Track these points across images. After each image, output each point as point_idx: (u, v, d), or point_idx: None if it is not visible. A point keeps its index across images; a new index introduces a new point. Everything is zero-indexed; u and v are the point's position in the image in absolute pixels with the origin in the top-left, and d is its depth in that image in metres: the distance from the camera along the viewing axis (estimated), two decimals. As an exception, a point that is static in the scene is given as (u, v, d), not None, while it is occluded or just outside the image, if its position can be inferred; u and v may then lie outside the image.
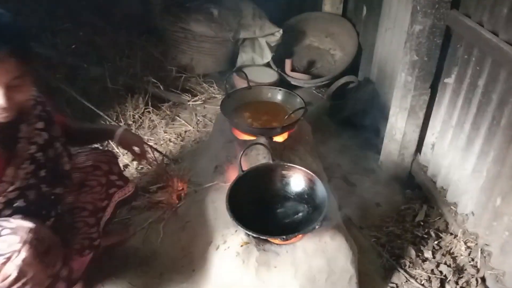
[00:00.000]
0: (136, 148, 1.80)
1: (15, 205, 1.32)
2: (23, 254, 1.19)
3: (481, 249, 1.96)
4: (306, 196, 1.85)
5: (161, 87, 3.20)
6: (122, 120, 2.93)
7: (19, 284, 1.20)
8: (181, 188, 2.21)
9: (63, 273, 1.36)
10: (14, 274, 1.18)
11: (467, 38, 1.97)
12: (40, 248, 1.24)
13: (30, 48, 1.23)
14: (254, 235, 1.64)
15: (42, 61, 2.94)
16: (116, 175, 1.80)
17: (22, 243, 1.20)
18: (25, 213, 1.31)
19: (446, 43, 2.16)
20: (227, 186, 1.84)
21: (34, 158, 1.37)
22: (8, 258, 1.18)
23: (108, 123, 2.86)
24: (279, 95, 2.50)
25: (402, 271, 1.96)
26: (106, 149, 2.34)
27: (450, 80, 2.19)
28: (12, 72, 1.15)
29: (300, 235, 1.69)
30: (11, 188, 1.31)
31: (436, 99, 2.32)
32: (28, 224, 1.25)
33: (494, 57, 1.80)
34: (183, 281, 1.81)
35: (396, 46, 2.71)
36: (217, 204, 1.90)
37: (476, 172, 2.03)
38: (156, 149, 2.63)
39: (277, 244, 1.70)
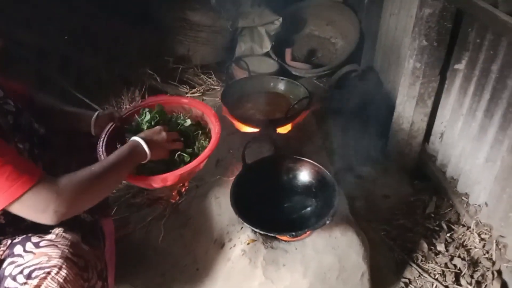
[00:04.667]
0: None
1: None
2: (64, 271, 1.14)
3: (496, 241, 1.89)
4: (314, 190, 1.76)
5: (158, 78, 3.09)
6: (118, 113, 2.82)
7: None
8: (181, 184, 2.12)
9: (98, 286, 1.28)
10: None
11: (480, 20, 1.87)
12: (79, 264, 1.18)
13: None
14: (261, 232, 1.55)
15: (32, 50, 2.81)
16: None
17: (64, 258, 1.15)
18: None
19: (456, 28, 2.06)
20: (230, 180, 1.76)
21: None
22: (48, 273, 1.12)
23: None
24: (281, 85, 2.42)
25: (414, 265, 1.88)
26: None
27: (460, 66, 2.10)
28: None
29: (310, 231, 1.60)
30: None
31: (446, 86, 2.23)
32: (69, 237, 1.21)
33: (510, 39, 1.71)
34: (187, 281, 1.72)
35: (401, 32, 2.62)
36: (221, 200, 1.82)
37: (490, 162, 1.94)
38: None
39: (286, 241, 1.62)
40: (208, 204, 1.85)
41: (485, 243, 1.93)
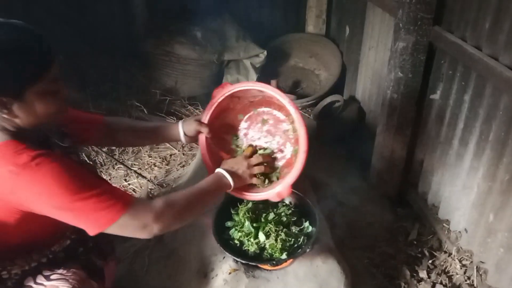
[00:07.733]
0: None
1: None
2: None
3: (476, 267, 1.92)
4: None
5: (145, 110, 3.15)
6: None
7: None
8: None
9: None
10: None
11: (451, 53, 1.97)
12: None
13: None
14: (243, 261, 1.57)
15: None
16: None
17: None
18: None
19: (430, 60, 2.16)
20: (213, 209, 1.78)
21: None
22: None
23: (89, 151, 2.78)
24: (265, 116, 2.46)
25: (397, 293, 1.90)
26: None
27: (435, 96, 2.18)
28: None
29: (291, 260, 1.62)
30: None
31: (423, 116, 2.31)
32: (79, 273, 1.26)
33: (478, 71, 1.80)
34: (170, 313, 1.71)
35: (380, 65, 2.72)
36: (204, 230, 1.83)
37: (467, 189, 2.00)
38: (140, 174, 2.56)
39: (267, 269, 1.63)
40: (191, 235, 1.86)
41: (466, 269, 1.96)
